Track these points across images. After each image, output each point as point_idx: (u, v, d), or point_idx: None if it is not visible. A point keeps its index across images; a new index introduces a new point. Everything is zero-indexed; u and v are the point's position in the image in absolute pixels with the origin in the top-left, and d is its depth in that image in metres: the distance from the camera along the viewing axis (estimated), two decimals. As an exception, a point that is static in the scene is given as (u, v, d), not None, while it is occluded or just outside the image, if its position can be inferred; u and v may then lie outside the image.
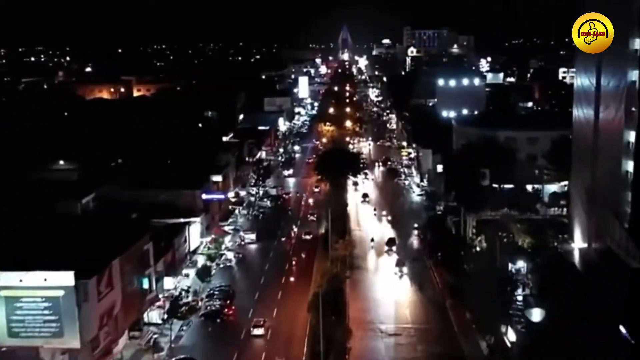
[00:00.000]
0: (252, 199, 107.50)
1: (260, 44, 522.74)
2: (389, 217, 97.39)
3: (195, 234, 73.77)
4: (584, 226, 71.45)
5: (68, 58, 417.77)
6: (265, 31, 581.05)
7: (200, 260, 74.56)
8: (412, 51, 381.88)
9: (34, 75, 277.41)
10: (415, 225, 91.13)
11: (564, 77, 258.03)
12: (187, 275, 70.60)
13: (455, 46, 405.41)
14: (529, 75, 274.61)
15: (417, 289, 70.32)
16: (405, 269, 73.92)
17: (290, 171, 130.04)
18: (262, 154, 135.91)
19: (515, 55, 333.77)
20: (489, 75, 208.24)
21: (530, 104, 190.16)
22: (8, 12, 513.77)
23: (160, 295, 61.66)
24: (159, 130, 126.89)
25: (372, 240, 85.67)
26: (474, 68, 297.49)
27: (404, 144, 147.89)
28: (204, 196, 77.70)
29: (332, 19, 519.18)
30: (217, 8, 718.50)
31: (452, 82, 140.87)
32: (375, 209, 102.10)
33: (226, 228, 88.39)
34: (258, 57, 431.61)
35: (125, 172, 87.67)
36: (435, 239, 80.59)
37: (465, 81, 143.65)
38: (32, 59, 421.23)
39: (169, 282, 62.15)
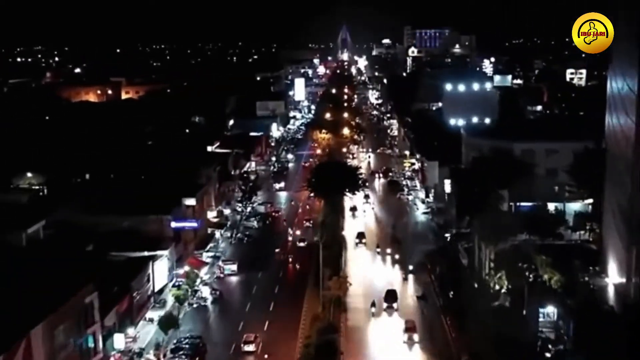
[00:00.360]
0: (239, 217, 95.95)
1: (259, 44, 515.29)
2: (397, 256, 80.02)
3: (161, 270, 62.21)
4: (620, 257, 60.78)
5: (57, 59, 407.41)
6: (264, 31, 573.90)
7: (170, 300, 63.17)
8: (412, 51, 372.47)
9: (24, 76, 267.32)
10: (411, 267, 75.35)
11: (571, 79, 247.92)
12: (151, 320, 59.23)
13: (457, 46, 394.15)
14: (533, 76, 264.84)
15: (426, 341, 58.17)
16: (416, 336, 58.23)
17: (282, 184, 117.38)
18: (252, 165, 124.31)
19: (517, 55, 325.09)
20: (496, 78, 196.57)
21: (539, 108, 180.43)
22: (7, 10, 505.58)
23: (113, 352, 50.36)
24: (139, 139, 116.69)
25: (373, 304, 64.74)
26: (478, 69, 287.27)
27: (407, 153, 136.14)
28: (173, 224, 66.07)
29: (331, 19, 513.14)
30: (217, 7, 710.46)
31: (461, 87, 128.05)
32: (378, 247, 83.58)
33: (204, 256, 77.07)
34: (256, 57, 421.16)
35: (87, 191, 76.28)
36: (446, 274, 69.13)
37: (476, 86, 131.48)
38: (19, 59, 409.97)
39: (119, 340, 50.54)
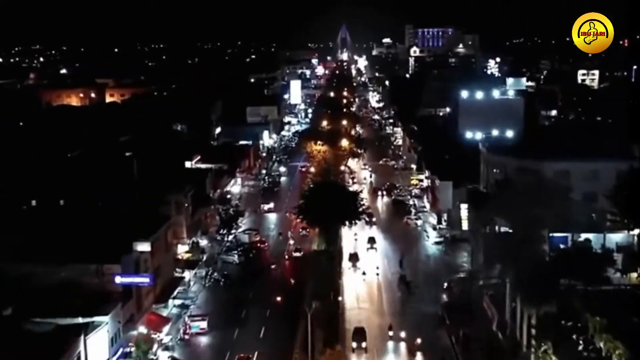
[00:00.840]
0: (217, 250, 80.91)
1: (259, 44, 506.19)
2: (418, 340, 57.18)
3: (100, 342, 47.30)
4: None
5: (42, 59, 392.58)
6: (263, 30, 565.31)
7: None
8: (415, 51, 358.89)
9: (11, 77, 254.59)
10: (420, 341, 56.71)
11: (583, 80, 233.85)
12: (84, 411, 44.61)
13: (461, 46, 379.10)
14: (542, 77, 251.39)
15: None
16: None
17: (271, 205, 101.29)
18: (237, 181, 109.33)
19: (521, 55, 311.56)
20: (509, 80, 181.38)
21: (554, 112, 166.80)
22: (6, 9, 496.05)
23: None
24: (112, 151, 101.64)
25: None
26: (484, 70, 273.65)
27: (413, 166, 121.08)
28: (119, 280, 51.15)
29: (331, 18, 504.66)
30: (217, 6, 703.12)
31: (479, 94, 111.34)
32: (390, 328, 60.06)
33: (170, 304, 62.42)
34: (254, 57, 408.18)
35: (22, 226, 61.26)
36: (471, 339, 54.45)
37: (496, 92, 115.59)
38: (6, 60, 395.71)
39: None
